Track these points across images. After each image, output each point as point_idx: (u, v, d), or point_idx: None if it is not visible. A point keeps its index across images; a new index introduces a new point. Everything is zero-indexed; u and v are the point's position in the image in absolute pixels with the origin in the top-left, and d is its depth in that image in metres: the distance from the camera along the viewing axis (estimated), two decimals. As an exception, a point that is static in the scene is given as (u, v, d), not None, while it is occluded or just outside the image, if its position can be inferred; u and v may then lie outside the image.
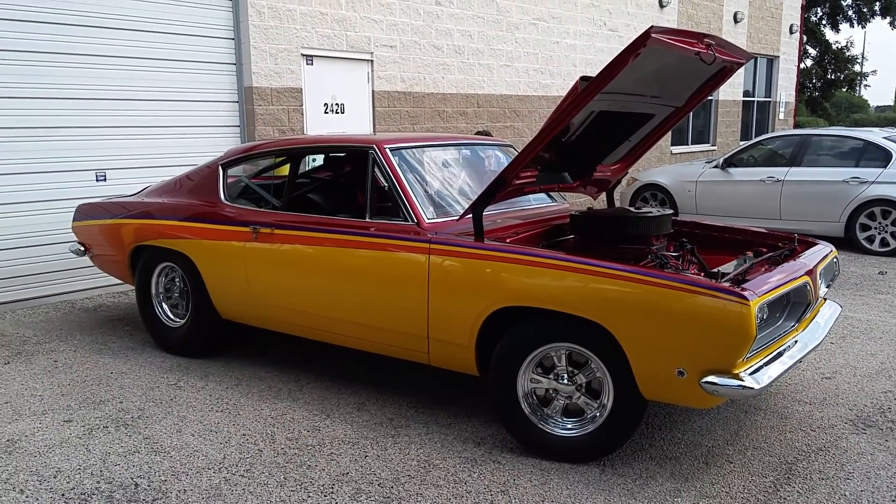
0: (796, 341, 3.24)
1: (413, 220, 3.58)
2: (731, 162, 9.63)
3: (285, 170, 4.95)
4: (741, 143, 11.77)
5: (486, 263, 3.28)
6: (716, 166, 9.71)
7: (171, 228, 4.51)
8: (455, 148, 4.46)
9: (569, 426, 3.22)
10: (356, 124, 8.70)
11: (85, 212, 5.20)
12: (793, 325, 3.27)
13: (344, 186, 4.68)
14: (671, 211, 3.86)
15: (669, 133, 14.38)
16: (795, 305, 3.30)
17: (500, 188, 3.42)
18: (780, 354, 3.08)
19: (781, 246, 3.86)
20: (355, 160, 4.69)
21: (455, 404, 3.84)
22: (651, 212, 3.77)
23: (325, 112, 8.36)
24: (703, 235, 4.19)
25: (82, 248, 5.24)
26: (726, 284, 2.83)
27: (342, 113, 8.53)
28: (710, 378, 2.78)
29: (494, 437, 3.44)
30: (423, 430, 3.53)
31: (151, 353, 4.71)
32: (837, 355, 4.64)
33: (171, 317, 4.76)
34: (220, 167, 4.54)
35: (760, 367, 2.90)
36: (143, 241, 4.69)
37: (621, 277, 2.94)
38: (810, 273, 3.33)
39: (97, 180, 6.49)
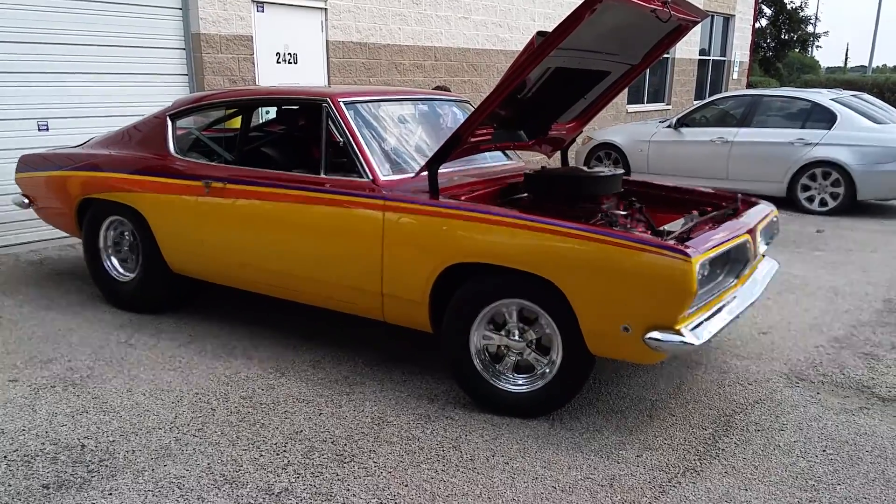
0: (735, 297, 3.37)
1: (368, 177, 3.57)
2: (683, 122, 9.76)
3: (237, 122, 4.86)
4: (695, 102, 11.93)
5: (440, 220, 3.30)
6: (669, 126, 9.85)
7: (120, 181, 4.40)
8: (412, 103, 4.43)
9: (520, 382, 3.30)
10: (310, 76, 8.53)
11: (29, 163, 5.03)
12: (732, 282, 3.39)
13: (298, 140, 4.61)
14: (622, 171, 3.93)
15: (626, 91, 14.51)
16: (735, 262, 3.42)
17: (455, 146, 3.42)
18: (719, 310, 3.20)
19: (725, 205, 3.97)
20: (309, 113, 4.62)
21: (410, 361, 3.89)
22: (602, 171, 3.83)
23: (278, 62, 8.17)
24: (652, 195, 4.27)
25: (26, 201, 5.08)
26: (670, 242, 2.91)
27: (295, 63, 8.35)
28: (654, 334, 2.88)
29: (448, 394, 3.52)
30: (378, 387, 3.58)
31: (101, 308, 4.64)
32: (774, 311, 4.83)
33: (122, 271, 4.68)
34: (168, 118, 4.43)
35: (701, 323, 3.01)
36: (90, 195, 4.57)
37: (570, 235, 3.00)
38: (751, 232, 3.44)
39: (39, 129, 6.27)
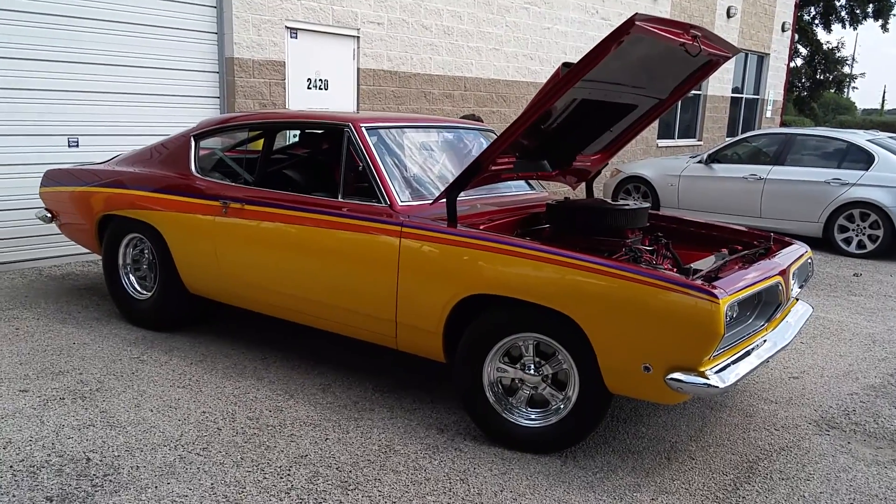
0: (765, 340, 3.23)
1: (386, 202, 3.52)
2: (714, 158, 9.63)
3: (260, 144, 4.86)
4: (727, 139, 11.78)
5: (457, 250, 3.23)
6: (700, 161, 9.71)
7: (140, 199, 4.41)
8: (436, 130, 4.39)
9: (532, 417, 3.19)
10: (340, 102, 8.58)
11: (53, 178, 5.08)
12: (763, 325, 3.26)
13: (319, 164, 4.59)
14: (648, 204, 3.82)
15: (656, 126, 14.43)
16: (766, 305, 3.28)
17: (475, 173, 3.36)
18: (747, 353, 3.06)
19: (757, 244, 3.84)
20: (331, 138, 4.61)
21: (421, 389, 3.80)
22: (628, 204, 3.73)
23: (309, 88, 8.24)
24: (680, 230, 4.16)
25: (49, 215, 5.12)
26: (697, 281, 2.80)
27: (326, 90, 8.41)
28: (676, 375, 2.76)
29: (458, 424, 3.41)
30: (387, 414, 3.49)
31: (116, 324, 4.63)
32: (806, 355, 4.65)
33: (139, 289, 4.67)
34: (192, 138, 4.44)
35: (727, 366, 2.88)
36: (111, 211, 4.59)
37: (591, 269, 2.90)
38: (783, 273, 3.31)
39: (69, 146, 6.35)
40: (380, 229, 3.46)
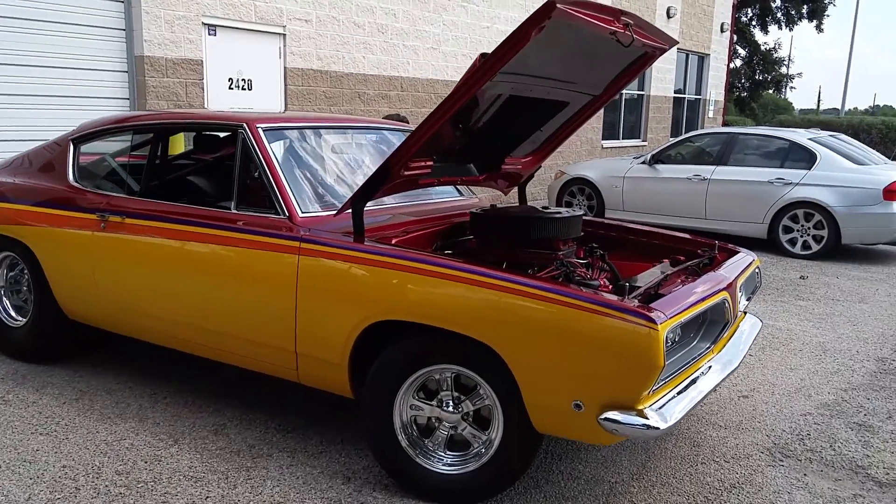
0: (710, 367, 2.85)
1: (284, 214, 3.04)
2: (658, 158, 9.39)
3: (179, 147, 4.33)
4: (671, 139, 11.62)
5: (361, 269, 2.78)
6: (643, 162, 9.46)
7: (7, 212, 3.84)
8: (351, 132, 3.93)
9: (452, 462, 2.75)
10: (266, 103, 8.04)
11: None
12: (708, 347, 2.89)
13: (212, 171, 4.07)
14: (581, 212, 3.43)
15: (600, 126, 14.22)
16: (712, 324, 2.92)
17: (383, 180, 2.91)
18: (692, 383, 2.68)
19: (701, 253, 3.49)
20: (224, 141, 4.08)
21: (332, 428, 3.33)
22: (560, 212, 3.33)
23: (231, 88, 7.68)
24: (619, 239, 3.79)
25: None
26: (631, 303, 2.40)
27: (250, 90, 7.86)
28: (611, 414, 2.36)
29: (368, 471, 2.95)
30: (287, 460, 3.01)
31: (-12, 357, 4.03)
32: (756, 370, 4.33)
33: (14, 315, 4.08)
34: (70, 143, 3.88)
35: (669, 400, 2.49)
36: (-23, 226, 4.00)
37: (509, 290, 2.48)
38: (730, 287, 2.95)
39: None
40: (275, 245, 2.98)
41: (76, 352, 4.06)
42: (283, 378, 3.14)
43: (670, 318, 2.38)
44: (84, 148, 3.92)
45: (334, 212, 3.12)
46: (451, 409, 2.73)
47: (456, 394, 2.73)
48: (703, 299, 2.70)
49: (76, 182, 3.76)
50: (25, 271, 4.00)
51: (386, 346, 2.78)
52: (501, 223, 3.24)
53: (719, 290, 2.85)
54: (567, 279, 3.01)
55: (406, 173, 3.03)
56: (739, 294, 3.15)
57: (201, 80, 7.32)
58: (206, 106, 7.41)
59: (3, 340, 4.05)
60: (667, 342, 2.32)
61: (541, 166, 4.05)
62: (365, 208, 2.93)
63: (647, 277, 2.97)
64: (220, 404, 3.53)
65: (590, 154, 13.84)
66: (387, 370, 2.75)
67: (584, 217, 3.81)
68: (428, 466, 2.75)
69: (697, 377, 2.73)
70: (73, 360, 3.99)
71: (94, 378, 3.79)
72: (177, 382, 3.76)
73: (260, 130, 3.24)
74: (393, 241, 3.00)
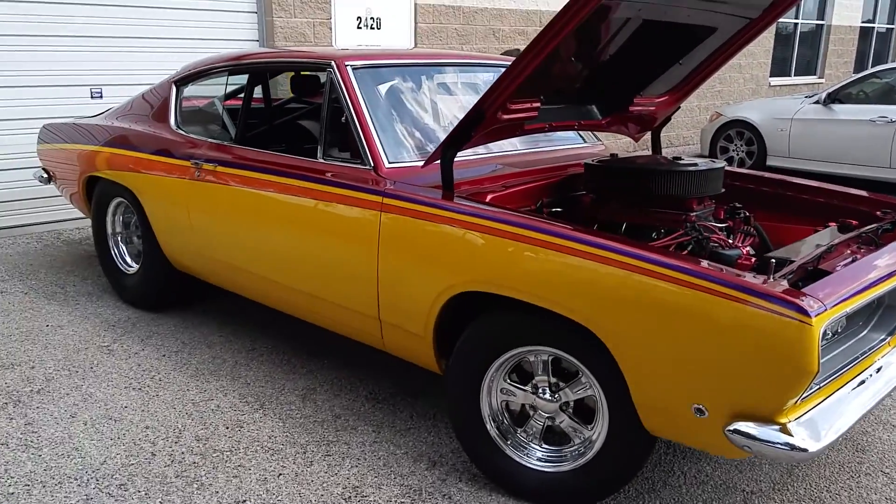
0: (882, 366, 2.23)
1: (369, 164, 2.71)
2: (835, 97, 8.16)
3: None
4: (853, 76, 10.03)
5: (444, 229, 2.40)
6: (817, 101, 8.26)
7: (117, 158, 3.81)
8: (458, 69, 3.51)
9: (548, 458, 2.36)
10: (395, 42, 7.73)
11: (48, 133, 4.56)
12: (883, 339, 2.26)
13: (307, 117, 3.80)
14: (723, 164, 2.81)
15: (769, 61, 12.70)
16: (890, 311, 2.29)
17: (476, 124, 2.48)
18: (859, 385, 2.10)
19: (881, 216, 2.78)
20: (316, 81, 3.76)
21: (427, 397, 3.04)
22: (695, 163, 2.75)
23: (359, 27, 7.42)
24: (773, 196, 3.13)
25: (46, 175, 4.62)
26: (777, 286, 1.85)
27: (378, 29, 7.56)
28: (742, 426, 1.86)
29: (457, 455, 2.63)
30: (372, 436, 2.75)
31: (106, 302, 4.09)
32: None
33: (128, 261, 4.11)
34: (172, 85, 3.76)
35: (824, 411, 1.94)
36: (93, 172, 4.02)
37: (613, 262, 2.01)
38: (917, 263, 2.28)
39: (92, 97, 5.87)
40: (357, 199, 2.67)
41: (185, 302, 4.02)
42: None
43: (831, 307, 1.82)
44: (188, 91, 3.78)
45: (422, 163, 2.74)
46: (547, 396, 2.33)
47: (554, 379, 2.32)
48: (880, 281, 2.08)
49: (178, 127, 3.64)
50: (135, 218, 4.00)
51: (475, 320, 2.41)
52: (619, 176, 2.72)
53: (903, 269, 2.20)
54: (698, 248, 2.48)
55: (505, 117, 2.57)
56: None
57: (329, 19, 7.11)
58: (334, 46, 7.22)
59: (119, 286, 4.10)
60: (824, 338, 1.76)
61: (679, 107, 3.43)
62: (466, 158, 2.54)
63: (804, 248, 2.36)
64: (314, 365, 3.33)
65: (754, 94, 12.45)
66: (473, 348, 2.39)
67: (731, 169, 3.19)
68: (520, 461, 2.38)
69: (865, 379, 2.13)
70: (181, 310, 3.96)
71: (199, 329, 3.72)
72: (277, 338, 3.62)
73: (349, 69, 2.91)
74: (488, 198, 2.59)
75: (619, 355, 2.04)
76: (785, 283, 1.92)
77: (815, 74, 14.02)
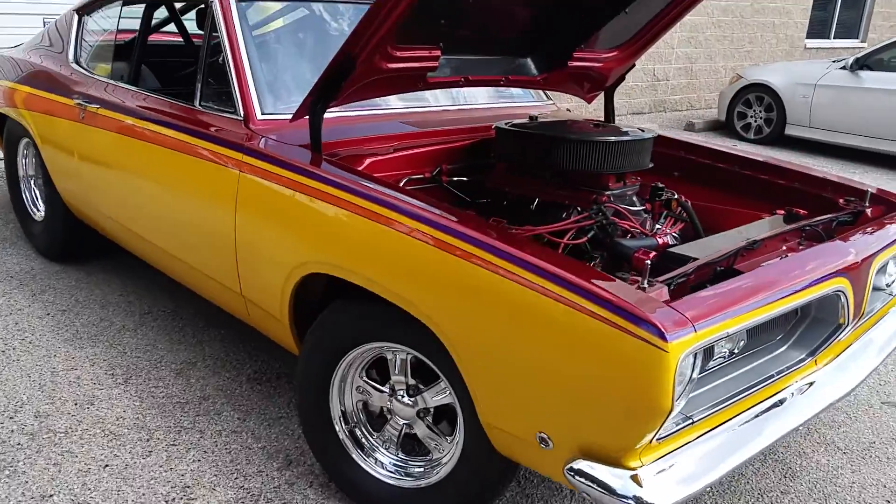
0: (807, 385, 1.84)
1: (240, 115, 2.33)
2: (864, 63, 7.49)
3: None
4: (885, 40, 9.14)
5: (298, 198, 2.03)
6: (844, 67, 7.60)
7: (17, 94, 3.49)
8: (363, 9, 3.06)
9: (397, 471, 2.03)
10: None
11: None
12: (802, 360, 1.86)
13: (190, 52, 3.40)
14: (654, 132, 2.38)
15: (805, 22, 11.83)
16: (816, 323, 1.88)
17: (346, 74, 2.07)
18: (758, 416, 1.71)
19: (843, 206, 2.34)
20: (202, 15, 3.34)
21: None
22: (626, 131, 2.33)
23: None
24: (727, 173, 2.69)
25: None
26: (631, 298, 1.44)
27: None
28: (583, 465, 1.49)
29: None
30: (233, 423, 2.44)
31: (18, 250, 3.82)
32: (925, 367, 3.11)
33: (40, 207, 3.82)
34: (73, 14, 3.40)
35: (694, 452, 1.56)
36: (1, 109, 3.71)
37: (460, 253, 1.63)
38: (854, 269, 1.85)
39: (45, 27, 5.52)
40: (218, 155, 2.30)
41: (101, 256, 3.71)
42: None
43: (703, 329, 1.42)
44: (91, 23, 3.41)
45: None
46: (405, 400, 1.98)
47: (413, 381, 1.97)
48: (793, 293, 1.67)
49: (75, 62, 3.28)
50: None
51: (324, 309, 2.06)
52: (527, 143, 2.30)
53: (832, 275, 1.78)
54: (602, 233, 2.08)
55: (391, 66, 2.16)
56: (882, 277, 2.04)
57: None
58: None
59: (29, 233, 3.83)
60: (679, 372, 1.37)
61: (633, 65, 2.97)
62: (364, 112, 2.19)
63: (724, 242, 1.94)
64: (208, 335, 3.02)
65: (787, 56, 11.65)
66: (321, 338, 2.04)
67: (688, 140, 2.78)
68: (368, 469, 2.05)
69: (770, 407, 1.74)
70: (90, 264, 3.66)
71: (100, 287, 3.43)
72: (181, 301, 3.31)
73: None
74: (366, 162, 2.20)
75: (461, 362, 1.68)
76: (664, 291, 1.53)
77: (856, 38, 13.07)
